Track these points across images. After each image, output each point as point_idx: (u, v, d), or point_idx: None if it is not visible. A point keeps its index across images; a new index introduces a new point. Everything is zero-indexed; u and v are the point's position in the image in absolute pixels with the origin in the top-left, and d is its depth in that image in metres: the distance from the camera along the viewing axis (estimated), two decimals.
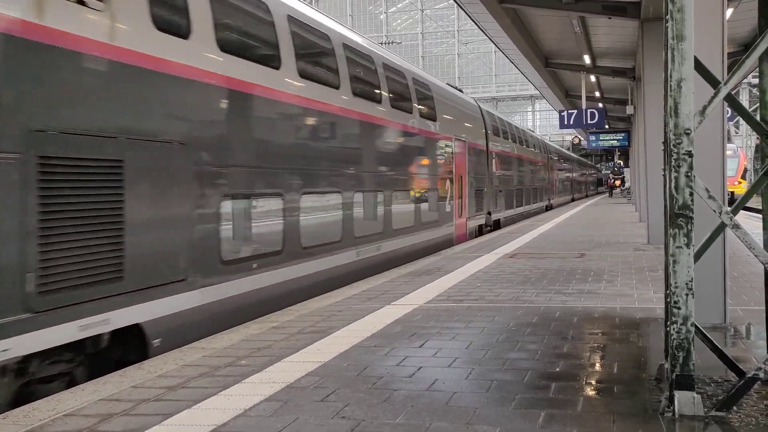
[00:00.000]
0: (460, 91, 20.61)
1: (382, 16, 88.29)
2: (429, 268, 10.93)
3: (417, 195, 13.85)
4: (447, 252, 13.64)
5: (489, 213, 20.76)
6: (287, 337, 6.09)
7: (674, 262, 3.81)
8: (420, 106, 14.27)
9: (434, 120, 15.27)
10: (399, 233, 12.65)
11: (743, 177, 39.91)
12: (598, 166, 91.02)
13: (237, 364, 5.20)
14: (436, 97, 15.84)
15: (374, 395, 4.31)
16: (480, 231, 19.66)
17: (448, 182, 16.16)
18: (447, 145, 16.16)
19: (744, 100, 58.13)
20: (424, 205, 14.28)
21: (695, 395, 3.76)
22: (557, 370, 4.83)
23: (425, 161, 14.62)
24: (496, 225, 21.78)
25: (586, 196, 66.23)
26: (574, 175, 56.41)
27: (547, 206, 35.72)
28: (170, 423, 3.91)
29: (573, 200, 52.26)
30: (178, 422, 3.92)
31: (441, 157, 15.77)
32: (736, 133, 63.16)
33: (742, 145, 57.25)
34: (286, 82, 8.61)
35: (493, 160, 21.55)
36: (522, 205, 27.09)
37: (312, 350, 5.57)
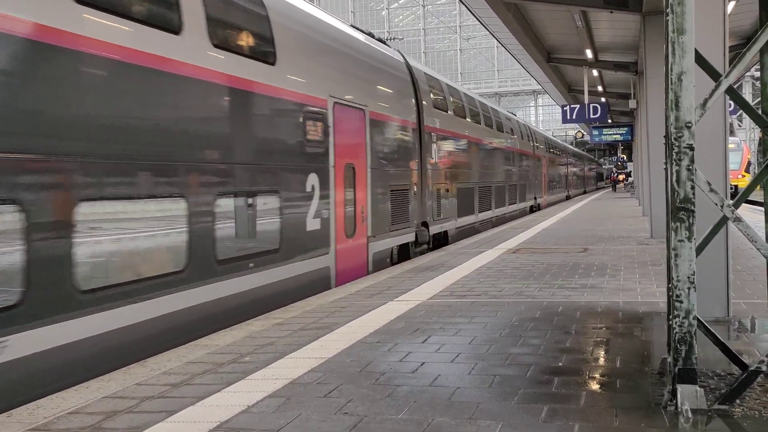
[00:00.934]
0: (382, 42, 13.53)
1: (383, 13, 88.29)
2: (432, 263, 10.93)
3: (205, 204, 6.92)
4: (450, 248, 13.63)
5: (424, 224, 13.88)
6: (290, 333, 6.10)
7: (676, 255, 3.81)
8: (220, 31, 7.40)
9: (269, 62, 8.30)
10: (150, 289, 6.09)
11: (747, 170, 39.83)
12: (602, 160, 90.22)
13: (240, 360, 5.21)
14: (279, 23, 8.64)
15: (377, 391, 4.32)
16: (405, 253, 12.77)
17: (314, 178, 9.13)
18: (311, 113, 9.07)
19: (747, 93, 58.02)
20: (229, 225, 7.32)
21: (698, 389, 3.76)
22: (560, 364, 4.83)
23: (237, 138, 7.68)
24: (441, 240, 15.25)
25: (585, 193, 59.77)
26: (570, 169, 49.00)
27: (532, 207, 29.10)
28: (174, 420, 3.92)
29: (568, 198, 45.31)
30: (181, 419, 3.93)
31: (292, 132, 8.74)
32: (740, 126, 63.04)
33: (745, 138, 57.13)
34: None
35: (433, 146, 14.64)
36: (490, 209, 20.35)
37: (315, 346, 5.58)
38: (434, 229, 14.68)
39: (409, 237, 13.09)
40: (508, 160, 23.69)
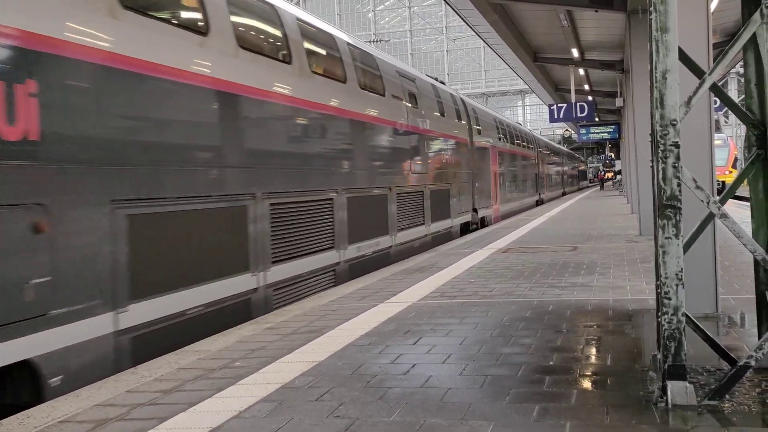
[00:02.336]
0: None
1: (369, 15, 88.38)
2: (422, 265, 10.94)
3: None
4: (441, 248, 13.65)
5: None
6: (281, 337, 6.09)
7: (664, 252, 3.83)
8: None
9: None
10: None
11: (734, 166, 40.08)
12: (590, 159, 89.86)
13: (232, 365, 5.20)
14: None
15: (368, 393, 4.32)
16: None
17: None
18: None
19: (733, 89, 58.40)
20: None
21: (688, 385, 3.78)
22: (551, 363, 4.84)
23: None
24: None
25: (563, 194, 50.34)
26: (543, 166, 39.04)
27: (467, 224, 18.74)
28: (165, 427, 3.91)
29: (540, 203, 36.09)
30: (173, 425, 3.92)
31: None
32: (726, 122, 63.43)
33: (732, 134, 57.48)
34: None
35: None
36: (332, 247, 10.18)
37: (306, 350, 5.57)
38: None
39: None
40: (397, 149, 13.30)
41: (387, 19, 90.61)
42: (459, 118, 18.65)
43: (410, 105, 14.29)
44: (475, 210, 19.59)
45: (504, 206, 24.59)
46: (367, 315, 6.95)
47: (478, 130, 20.88)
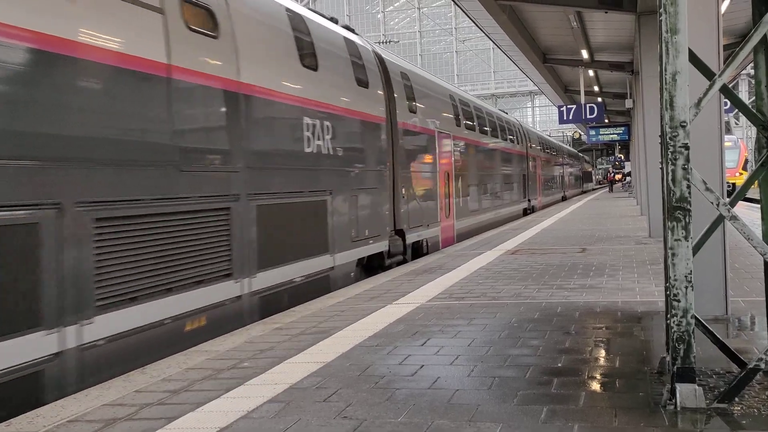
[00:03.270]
0: None
1: (379, 16, 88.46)
2: (431, 266, 10.94)
3: None
4: (448, 250, 13.64)
5: None
6: (290, 338, 6.10)
7: (673, 254, 3.81)
8: None
9: None
10: None
11: (744, 168, 39.86)
12: (599, 160, 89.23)
13: (240, 366, 5.21)
14: None
15: (376, 395, 4.32)
16: None
17: None
18: None
19: (743, 91, 58.14)
20: None
21: (697, 387, 3.76)
22: (559, 365, 4.83)
23: None
24: None
25: (563, 199, 43.62)
26: (534, 165, 31.43)
27: (387, 255, 11.76)
28: (173, 427, 3.92)
29: (530, 211, 28.65)
30: (181, 426, 3.93)
31: None
32: (737, 124, 63.14)
33: (742, 136, 57.21)
34: None
35: None
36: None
37: (314, 351, 5.58)
38: None
39: None
40: (134, 123, 5.77)
41: (396, 20, 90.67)
42: (364, 83, 11.31)
43: (203, 31, 6.95)
44: (398, 232, 12.49)
45: (465, 221, 17.51)
46: (376, 316, 6.95)
47: (412, 107, 13.64)
